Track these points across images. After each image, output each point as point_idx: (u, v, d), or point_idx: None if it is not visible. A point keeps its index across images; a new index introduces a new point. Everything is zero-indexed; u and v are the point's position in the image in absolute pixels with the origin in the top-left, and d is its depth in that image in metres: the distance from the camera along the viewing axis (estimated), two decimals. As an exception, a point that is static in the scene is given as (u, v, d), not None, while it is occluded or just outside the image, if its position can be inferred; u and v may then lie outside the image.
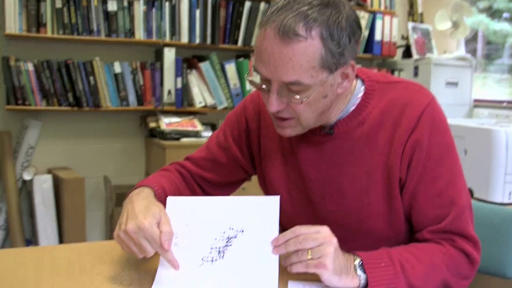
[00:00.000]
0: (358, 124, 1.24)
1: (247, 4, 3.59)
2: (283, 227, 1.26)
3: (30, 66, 3.13)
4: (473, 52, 4.49)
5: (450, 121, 1.34)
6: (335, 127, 1.25)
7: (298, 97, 1.13)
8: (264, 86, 1.16)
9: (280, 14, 1.09)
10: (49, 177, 3.21)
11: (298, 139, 1.30)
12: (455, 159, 1.22)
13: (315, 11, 1.08)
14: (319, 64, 1.10)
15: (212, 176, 1.45)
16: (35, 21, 3.10)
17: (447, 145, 1.21)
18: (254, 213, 1.16)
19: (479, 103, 4.17)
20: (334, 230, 1.10)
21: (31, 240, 3.32)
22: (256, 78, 1.25)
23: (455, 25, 4.05)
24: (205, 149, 1.47)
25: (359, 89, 1.26)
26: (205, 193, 1.46)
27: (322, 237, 1.07)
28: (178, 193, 1.38)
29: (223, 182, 1.46)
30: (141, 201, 1.19)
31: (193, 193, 1.44)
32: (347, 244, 1.16)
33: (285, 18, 1.07)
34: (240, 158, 1.43)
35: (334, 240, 1.08)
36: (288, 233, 1.10)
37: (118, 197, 3.35)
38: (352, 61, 1.16)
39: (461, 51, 4.32)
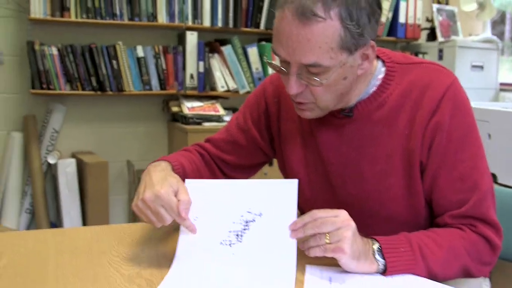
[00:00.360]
0: (378, 106, 1.22)
1: (270, -13, 3.55)
2: (302, 211, 1.25)
3: (54, 50, 3.16)
4: (500, 35, 4.40)
5: (474, 104, 1.31)
6: (354, 109, 1.24)
7: (317, 79, 1.11)
8: (283, 68, 1.15)
9: None
10: (73, 161, 3.24)
11: (318, 121, 1.28)
12: (478, 142, 1.19)
13: (334, -9, 1.06)
14: (338, 45, 1.08)
15: (232, 158, 1.44)
16: (59, 5, 3.12)
17: (469, 128, 1.18)
18: (272, 196, 1.15)
19: (505, 87, 4.09)
20: (354, 214, 1.09)
21: (56, 223, 3.37)
22: (276, 61, 1.24)
23: (481, 6, 3.96)
24: (225, 131, 1.47)
25: (379, 70, 1.24)
26: (225, 175, 1.46)
27: (340, 221, 1.06)
28: (198, 173, 1.38)
29: (242, 164, 1.46)
30: (158, 173, 1.20)
31: (213, 174, 1.44)
32: (367, 228, 1.15)
33: None
34: (259, 141, 1.42)
35: (352, 224, 1.06)
36: (306, 217, 1.09)
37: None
38: (372, 42, 1.13)
39: (487, 34, 4.23)
